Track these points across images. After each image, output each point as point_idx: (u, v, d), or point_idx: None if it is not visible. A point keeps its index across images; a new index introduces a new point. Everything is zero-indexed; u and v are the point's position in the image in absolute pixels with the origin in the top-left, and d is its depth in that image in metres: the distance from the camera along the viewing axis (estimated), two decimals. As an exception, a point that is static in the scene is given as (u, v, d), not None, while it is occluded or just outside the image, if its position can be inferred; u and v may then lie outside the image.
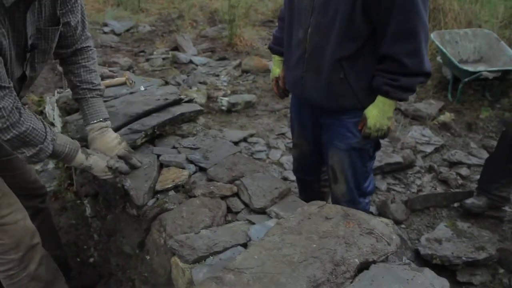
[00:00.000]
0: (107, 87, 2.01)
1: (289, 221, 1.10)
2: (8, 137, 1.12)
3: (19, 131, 1.12)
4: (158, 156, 1.59)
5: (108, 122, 1.48)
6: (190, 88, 4.78)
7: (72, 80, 1.46)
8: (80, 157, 1.31)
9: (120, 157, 1.43)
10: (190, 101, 2.00)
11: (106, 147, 1.43)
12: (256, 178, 1.41)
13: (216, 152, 1.59)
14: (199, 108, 1.90)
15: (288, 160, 3.26)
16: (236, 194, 1.39)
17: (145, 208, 1.38)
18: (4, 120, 1.08)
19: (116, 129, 1.64)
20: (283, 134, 3.72)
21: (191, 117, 1.86)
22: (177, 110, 1.82)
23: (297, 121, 1.88)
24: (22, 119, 1.14)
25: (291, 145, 3.48)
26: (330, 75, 1.51)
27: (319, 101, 1.62)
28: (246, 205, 1.34)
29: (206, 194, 1.36)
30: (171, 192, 1.43)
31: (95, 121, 1.45)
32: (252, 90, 4.78)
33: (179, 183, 1.43)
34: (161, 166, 1.56)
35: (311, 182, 2.09)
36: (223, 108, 4.28)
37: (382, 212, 2.53)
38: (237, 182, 1.41)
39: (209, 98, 4.68)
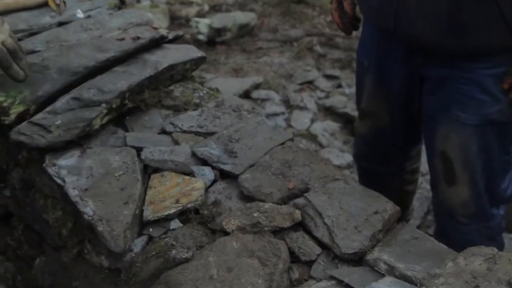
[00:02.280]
0: (12, 11, 1.99)
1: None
2: None
3: None
4: (138, 150, 1.51)
5: None
6: (138, 1, 4.61)
7: None
8: None
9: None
10: (177, 38, 1.94)
11: None
12: (334, 192, 1.33)
13: (248, 141, 1.52)
14: (199, 53, 1.83)
15: (324, 129, 3.25)
16: (301, 225, 1.29)
17: (129, 257, 1.30)
18: None
19: (47, 99, 1.59)
20: (310, 82, 3.70)
21: (186, 72, 1.80)
22: (160, 60, 1.75)
23: (374, 72, 1.83)
24: None
25: (327, 102, 3.53)
26: None
27: (432, 39, 1.54)
28: (323, 245, 1.25)
29: (246, 227, 1.25)
30: (174, 223, 1.34)
31: None
32: (247, 4, 4.69)
33: (188, 205, 1.34)
34: (146, 170, 1.48)
35: (387, 175, 2.11)
36: (201, 37, 4.21)
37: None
38: (300, 201, 1.32)
39: (174, 19, 4.55)
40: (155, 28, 1.88)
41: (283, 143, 1.50)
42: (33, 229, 1.67)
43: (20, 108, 1.54)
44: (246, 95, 3.47)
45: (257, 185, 1.36)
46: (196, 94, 1.74)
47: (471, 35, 1.49)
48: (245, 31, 4.25)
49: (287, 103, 3.45)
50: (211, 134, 1.56)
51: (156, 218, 1.32)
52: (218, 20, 4.22)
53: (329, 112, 3.36)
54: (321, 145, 3.09)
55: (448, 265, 1.04)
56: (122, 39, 1.77)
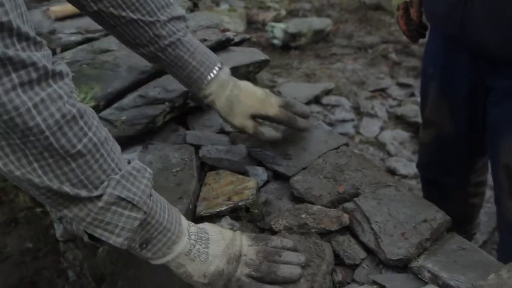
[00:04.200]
0: (67, 17, 2.09)
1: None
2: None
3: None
4: (197, 148, 1.54)
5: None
6: (217, 5, 4.68)
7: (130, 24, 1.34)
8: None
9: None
10: (243, 41, 1.96)
11: (258, 100, 1.43)
12: (384, 198, 1.31)
13: (303, 143, 1.52)
14: (262, 56, 1.83)
15: (394, 137, 3.23)
16: (348, 229, 1.29)
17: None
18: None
19: (116, 96, 1.65)
20: (382, 90, 3.69)
21: (249, 74, 1.80)
22: (224, 62, 1.72)
23: (439, 80, 1.83)
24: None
25: (398, 110, 3.50)
26: None
27: (498, 47, 1.52)
28: (368, 250, 1.24)
29: (293, 227, 1.26)
30: (226, 220, 1.34)
31: (216, 69, 1.42)
32: (324, 10, 4.69)
33: (240, 203, 1.34)
34: (203, 167, 1.51)
35: (451, 187, 2.10)
36: (276, 42, 4.23)
37: None
38: (349, 205, 1.31)
39: (251, 24, 4.61)
40: (223, 31, 1.93)
41: (337, 148, 1.50)
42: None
43: (91, 103, 1.59)
44: (316, 100, 3.49)
45: (308, 187, 1.37)
46: (257, 96, 1.75)
47: None
48: (320, 36, 4.26)
49: (357, 110, 3.45)
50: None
51: (208, 214, 1.34)
52: (293, 25, 4.24)
53: (399, 120, 3.33)
54: (389, 154, 3.06)
55: (490, 276, 1.01)
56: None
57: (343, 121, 3.33)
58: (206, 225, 1.15)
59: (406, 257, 1.18)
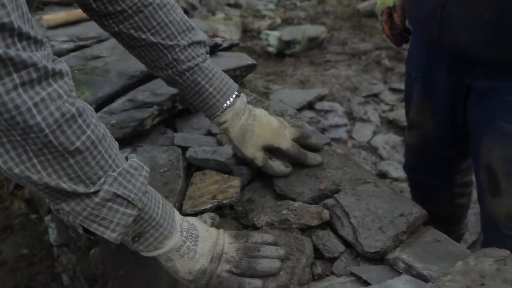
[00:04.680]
0: (67, 24, 2.12)
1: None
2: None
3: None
4: (184, 149, 1.57)
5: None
6: (213, 14, 4.72)
7: (151, 44, 1.34)
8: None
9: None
10: (232, 46, 2.01)
11: (272, 131, 1.41)
12: (363, 194, 1.34)
13: None
14: (250, 61, 1.87)
15: (386, 142, 3.27)
16: (328, 224, 1.32)
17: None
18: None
19: (106, 100, 1.68)
20: (375, 95, 3.73)
21: (236, 78, 1.82)
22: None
23: (422, 83, 1.85)
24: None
25: (390, 115, 3.53)
26: (503, 1, 1.41)
27: (476, 49, 1.53)
28: (347, 244, 1.26)
29: (275, 223, 1.28)
30: (215, 217, 1.34)
31: (233, 96, 1.40)
32: (319, 18, 4.73)
33: (224, 201, 1.38)
34: (189, 167, 1.54)
35: (438, 188, 2.12)
36: (271, 49, 4.25)
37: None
38: (329, 201, 1.34)
39: (246, 32, 4.63)
40: (212, 37, 1.97)
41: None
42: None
43: (82, 108, 1.65)
44: (309, 106, 3.52)
45: (290, 184, 1.39)
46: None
47: None
48: (314, 44, 4.29)
49: (350, 115, 3.48)
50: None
51: (193, 212, 1.36)
52: (287, 33, 4.27)
53: (392, 125, 3.36)
54: (381, 157, 3.09)
55: (458, 264, 1.04)
56: (177, 46, 1.85)
57: (336, 126, 3.36)
58: (195, 221, 1.18)
59: (383, 249, 1.20)
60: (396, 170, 2.92)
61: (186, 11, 2.35)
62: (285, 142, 1.40)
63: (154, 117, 1.64)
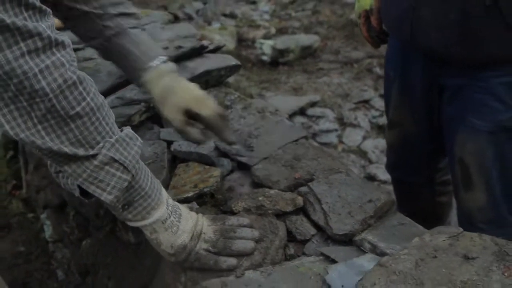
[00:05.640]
0: (61, 29, 2.06)
1: (399, 260, 1.05)
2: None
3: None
4: (169, 143, 1.62)
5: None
6: (209, 24, 4.77)
7: (82, 17, 1.45)
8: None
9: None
10: (218, 49, 2.05)
11: (194, 97, 1.44)
12: (335, 182, 1.40)
13: (266, 137, 1.60)
14: (234, 62, 1.92)
15: (375, 146, 3.30)
16: (302, 210, 1.37)
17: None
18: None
19: None
20: (366, 101, 3.78)
21: (221, 78, 1.88)
22: (197, 66, 1.85)
23: (399, 83, 1.88)
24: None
25: (380, 120, 3.57)
26: (467, 2, 1.46)
27: (445, 49, 1.59)
28: (319, 228, 1.32)
29: (251, 209, 1.34)
30: (192, 205, 1.42)
31: (159, 59, 1.46)
32: (313, 28, 4.78)
33: (205, 189, 1.43)
34: (174, 160, 1.58)
35: (418, 186, 2.14)
36: (265, 58, 4.30)
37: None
38: (303, 189, 1.40)
39: (241, 41, 4.68)
40: (200, 40, 2.04)
41: (296, 140, 1.58)
42: (80, 213, 1.77)
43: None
44: (301, 111, 3.58)
45: (267, 173, 1.45)
46: (228, 98, 1.82)
47: (481, 44, 1.50)
48: (307, 52, 4.36)
49: (341, 121, 3.53)
50: (234, 130, 1.61)
51: (176, 199, 1.35)
52: (281, 42, 4.34)
53: (381, 130, 3.41)
54: (370, 161, 3.15)
55: (414, 240, 1.10)
56: (166, 48, 1.90)
57: (327, 131, 3.41)
58: (178, 203, 1.26)
59: (351, 232, 1.26)
60: (384, 173, 2.97)
61: (175, 17, 2.42)
62: (206, 109, 1.42)
63: (141, 114, 1.69)
